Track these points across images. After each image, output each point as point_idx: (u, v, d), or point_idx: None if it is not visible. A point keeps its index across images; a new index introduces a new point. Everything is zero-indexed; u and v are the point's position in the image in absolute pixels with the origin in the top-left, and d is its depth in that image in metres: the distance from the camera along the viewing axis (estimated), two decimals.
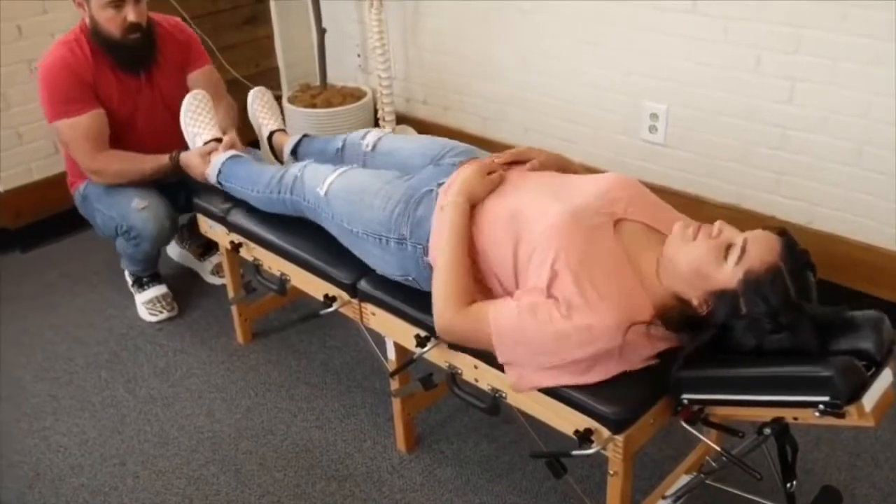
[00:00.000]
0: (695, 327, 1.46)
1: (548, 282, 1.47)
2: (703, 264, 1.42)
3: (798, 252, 1.42)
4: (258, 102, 2.50)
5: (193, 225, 2.59)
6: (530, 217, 1.56)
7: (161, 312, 2.65)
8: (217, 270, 2.83)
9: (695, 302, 1.44)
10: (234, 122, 2.59)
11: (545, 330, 1.45)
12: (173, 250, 2.92)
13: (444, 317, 1.60)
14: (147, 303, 2.67)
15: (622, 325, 1.42)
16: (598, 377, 1.47)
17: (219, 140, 2.37)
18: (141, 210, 2.45)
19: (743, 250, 1.40)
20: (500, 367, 1.59)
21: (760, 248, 1.40)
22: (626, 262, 1.50)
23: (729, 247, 1.42)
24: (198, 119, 2.41)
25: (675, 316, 1.47)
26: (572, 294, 1.44)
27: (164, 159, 2.43)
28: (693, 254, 1.44)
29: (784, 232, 1.45)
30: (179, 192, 2.57)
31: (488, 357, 1.59)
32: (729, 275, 1.40)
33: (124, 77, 2.45)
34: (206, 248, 2.82)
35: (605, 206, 1.56)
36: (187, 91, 2.44)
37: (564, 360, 1.46)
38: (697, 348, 1.43)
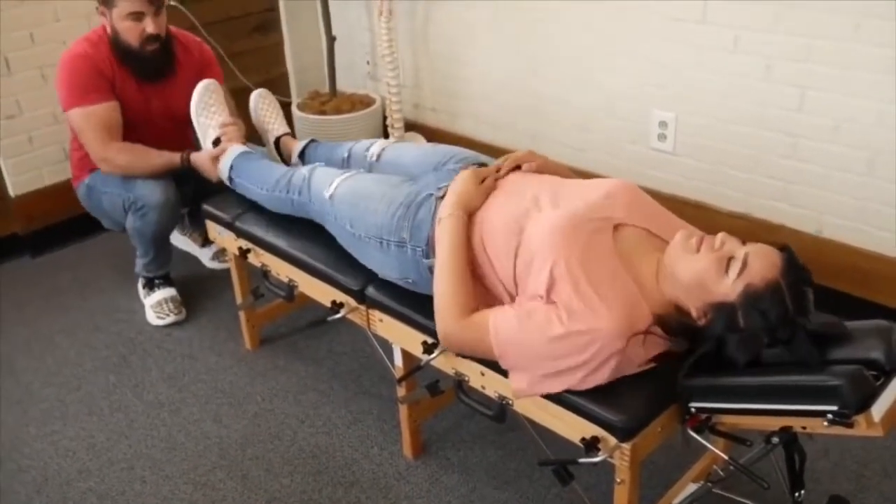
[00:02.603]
0: (691, 336, 1.46)
1: (547, 287, 1.47)
2: (704, 276, 1.42)
3: (798, 268, 1.42)
4: (262, 105, 2.52)
5: (194, 213, 2.62)
6: (529, 223, 1.56)
7: (168, 315, 2.66)
8: (217, 256, 2.91)
9: (693, 313, 1.45)
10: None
11: (544, 336, 1.45)
12: (175, 237, 2.96)
13: (445, 327, 1.60)
14: (155, 305, 2.68)
15: (622, 330, 1.42)
16: (596, 383, 1.46)
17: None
18: (147, 180, 2.49)
19: (744, 264, 1.40)
20: (507, 374, 1.59)
21: (761, 263, 1.40)
22: (623, 268, 1.50)
23: (730, 260, 1.42)
24: (209, 109, 2.44)
25: (673, 322, 1.47)
26: (571, 299, 1.44)
27: (175, 158, 2.46)
28: (695, 265, 1.44)
29: (785, 247, 1.45)
30: (186, 185, 2.60)
31: (495, 364, 1.59)
32: (729, 288, 1.40)
33: (141, 84, 2.51)
34: (208, 237, 2.84)
35: (604, 211, 1.57)
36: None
37: (565, 366, 1.45)
38: (700, 357, 1.43)
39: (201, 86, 2.44)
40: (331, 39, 3.49)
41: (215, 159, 2.36)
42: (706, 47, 2.53)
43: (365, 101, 3.55)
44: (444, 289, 1.61)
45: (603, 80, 2.85)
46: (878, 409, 1.29)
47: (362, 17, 3.60)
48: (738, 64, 2.47)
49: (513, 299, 1.59)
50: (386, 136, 3.49)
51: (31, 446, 2.19)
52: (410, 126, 3.56)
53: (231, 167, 2.30)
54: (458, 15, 3.21)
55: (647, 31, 2.65)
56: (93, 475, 2.09)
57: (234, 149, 2.34)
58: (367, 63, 3.71)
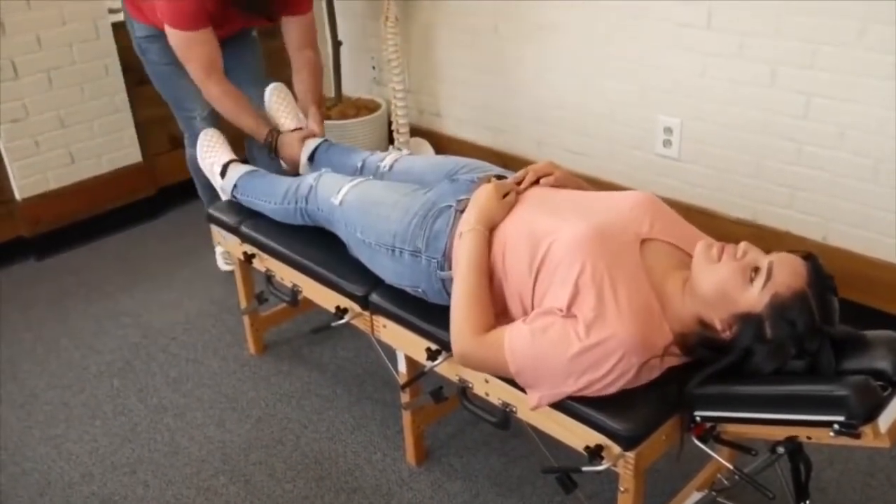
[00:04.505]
0: (714, 350, 1.44)
1: (569, 300, 1.44)
2: (728, 286, 1.40)
3: (823, 277, 1.40)
4: (275, 99, 2.48)
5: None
6: (555, 235, 1.53)
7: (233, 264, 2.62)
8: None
9: (718, 325, 1.42)
10: (320, 91, 2.58)
11: (562, 354, 1.43)
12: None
13: (462, 345, 1.57)
14: (224, 252, 2.78)
15: (638, 348, 1.40)
16: (606, 393, 1.45)
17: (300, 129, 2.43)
18: (203, 119, 2.56)
19: (769, 274, 1.37)
20: (511, 382, 1.58)
21: (786, 272, 1.37)
22: (648, 284, 1.47)
23: (754, 269, 1.39)
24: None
25: (694, 341, 1.45)
26: (592, 312, 1.42)
27: (262, 131, 2.41)
28: (717, 275, 1.41)
29: (810, 256, 1.43)
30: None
31: None
32: (755, 298, 1.38)
33: (229, 8, 2.37)
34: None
35: (631, 225, 1.54)
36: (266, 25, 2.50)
37: (585, 382, 1.44)
38: (722, 369, 1.41)
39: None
40: (336, 44, 3.50)
41: (301, 141, 2.35)
42: (711, 53, 2.52)
43: (370, 107, 3.56)
44: (462, 304, 1.58)
45: (608, 85, 2.85)
46: (885, 420, 1.28)
47: (368, 22, 3.61)
48: (744, 70, 2.46)
49: (525, 314, 1.56)
50: (391, 141, 3.50)
51: (35, 450, 2.19)
52: (415, 131, 3.56)
53: (235, 186, 2.29)
54: (463, 21, 3.21)
55: (652, 36, 2.65)
56: (95, 479, 2.09)
57: (238, 168, 2.32)
58: (373, 68, 3.72)
